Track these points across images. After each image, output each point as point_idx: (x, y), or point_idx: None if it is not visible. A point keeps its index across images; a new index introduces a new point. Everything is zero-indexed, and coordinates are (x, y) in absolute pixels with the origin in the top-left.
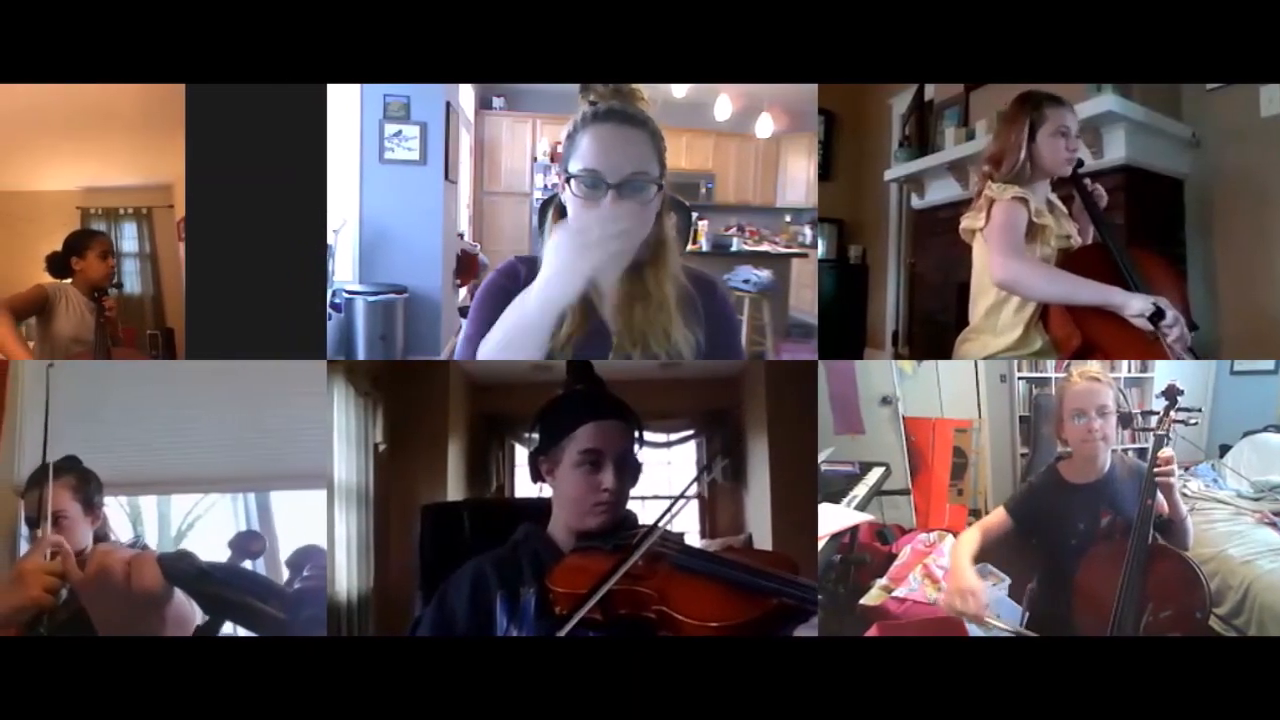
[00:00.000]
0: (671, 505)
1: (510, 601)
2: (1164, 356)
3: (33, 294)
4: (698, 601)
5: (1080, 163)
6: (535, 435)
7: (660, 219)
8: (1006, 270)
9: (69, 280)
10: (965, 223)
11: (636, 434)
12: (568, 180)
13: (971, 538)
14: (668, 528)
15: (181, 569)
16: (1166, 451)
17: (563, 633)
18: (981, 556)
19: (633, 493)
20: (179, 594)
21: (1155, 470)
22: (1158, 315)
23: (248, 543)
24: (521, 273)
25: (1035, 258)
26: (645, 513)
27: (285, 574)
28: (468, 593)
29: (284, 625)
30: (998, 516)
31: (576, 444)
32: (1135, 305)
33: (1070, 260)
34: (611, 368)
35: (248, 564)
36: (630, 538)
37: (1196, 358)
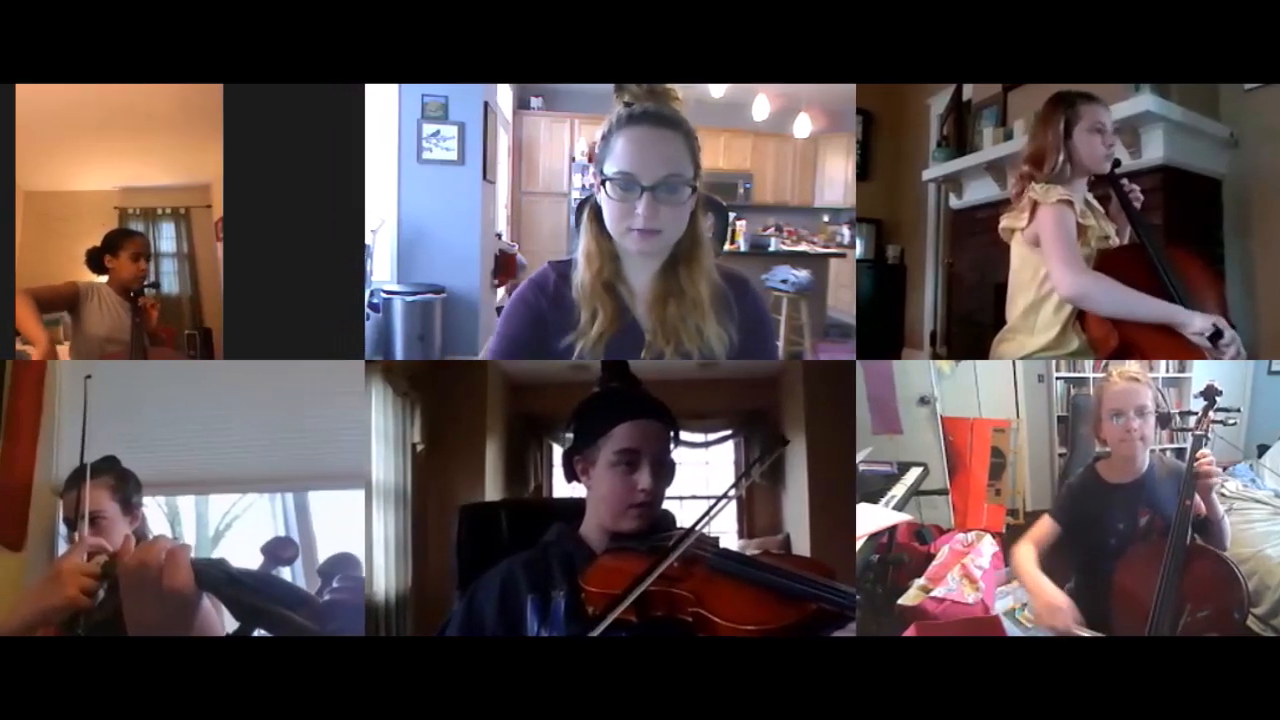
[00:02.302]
0: (710, 508)
1: (541, 604)
2: (1200, 356)
3: (62, 287)
4: (736, 604)
5: (1118, 161)
6: (570, 434)
7: (695, 218)
8: (1075, 286)
9: (105, 279)
10: (1005, 222)
11: (672, 434)
12: (603, 183)
13: (1028, 553)
14: (704, 530)
15: (213, 574)
16: (1207, 455)
17: (596, 633)
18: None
19: (670, 493)
20: (207, 601)
21: (1197, 474)
22: (1216, 335)
23: (280, 549)
24: (551, 280)
25: (1099, 272)
26: (683, 513)
27: (317, 582)
28: (496, 595)
29: (313, 635)
30: (1045, 525)
31: (613, 444)
32: (1197, 324)
33: (1107, 260)
34: (648, 367)
35: (280, 570)
36: (665, 539)
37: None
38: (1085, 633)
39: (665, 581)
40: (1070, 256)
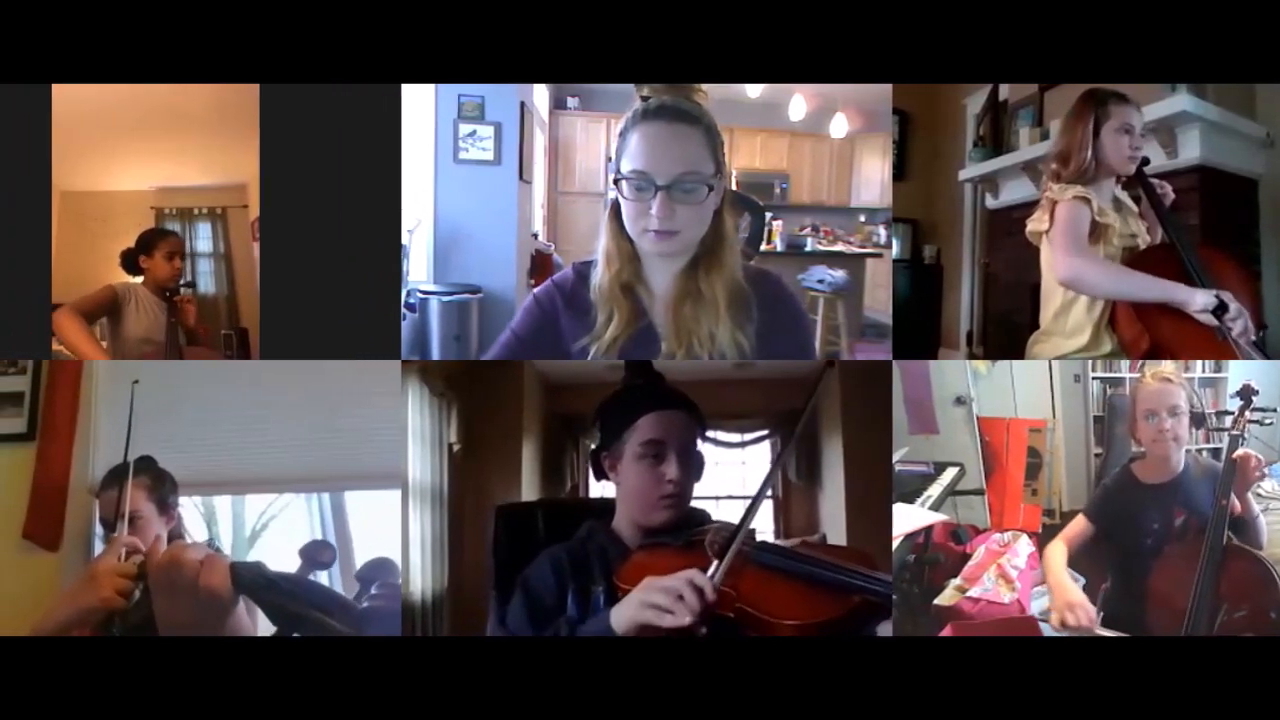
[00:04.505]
0: (753, 503)
1: (581, 597)
2: (1232, 356)
3: (101, 295)
4: (781, 600)
5: (1146, 160)
6: (596, 432)
7: (720, 217)
8: (1069, 268)
9: (140, 279)
10: (1031, 225)
11: (698, 425)
12: (617, 181)
13: (1059, 550)
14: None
15: (251, 578)
16: (1253, 456)
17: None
18: (1071, 565)
19: (706, 492)
20: (242, 605)
21: (1242, 470)
22: (1221, 308)
23: (317, 552)
24: (570, 281)
25: (1099, 255)
26: (719, 512)
27: (355, 587)
28: (552, 576)
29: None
30: (1079, 524)
31: (638, 436)
32: (1199, 300)
33: (1138, 261)
34: (683, 367)
35: (318, 575)
36: (700, 534)
37: (1265, 356)
38: (1104, 632)
39: None
40: (1069, 243)
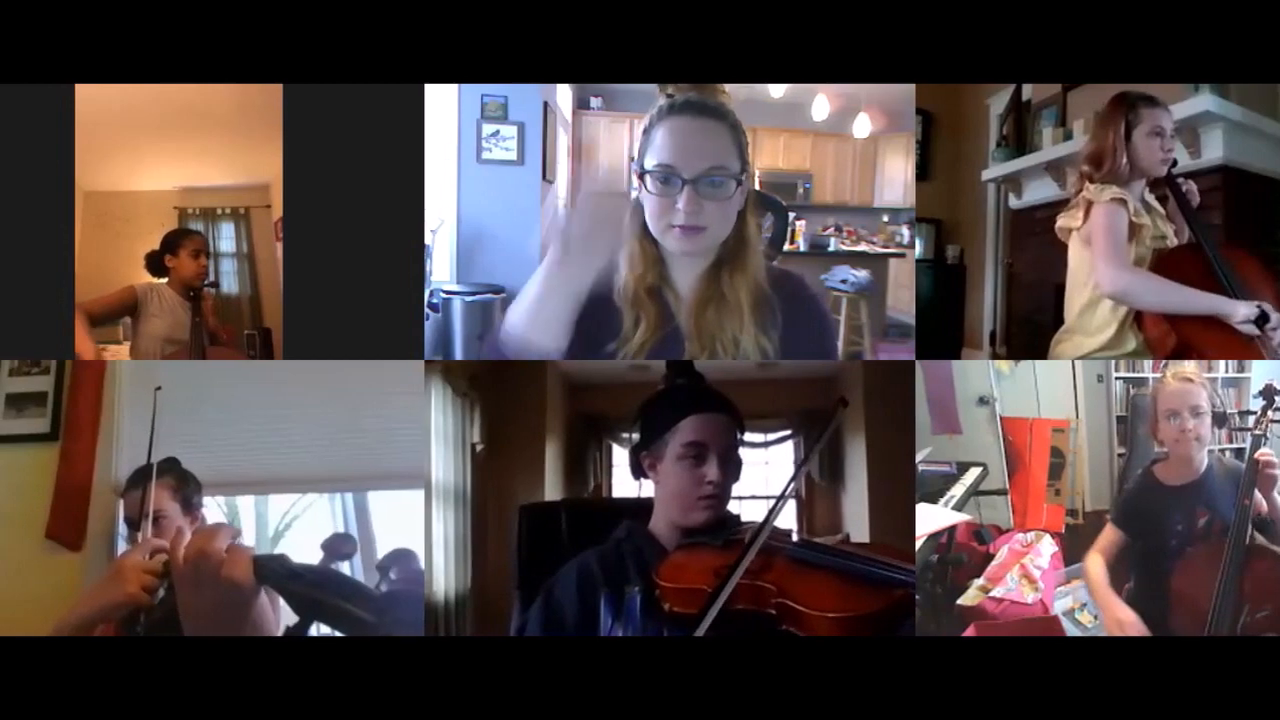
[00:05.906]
0: (779, 498)
1: (615, 600)
2: (1259, 356)
3: (120, 295)
4: (821, 593)
5: (1174, 161)
6: (635, 432)
7: (744, 217)
8: (1117, 282)
9: (165, 279)
10: (1061, 221)
11: (739, 428)
12: (642, 176)
13: (1098, 565)
14: (774, 524)
15: (273, 569)
16: (1267, 451)
17: (700, 632)
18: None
19: (732, 492)
20: (264, 597)
21: (1259, 469)
22: (1263, 319)
23: (339, 545)
24: None
25: (1143, 268)
26: (742, 513)
27: (375, 577)
28: (575, 588)
29: (373, 629)
30: (1109, 534)
31: (679, 437)
32: (1241, 312)
33: (1164, 260)
34: (706, 366)
35: (339, 566)
36: (739, 534)
37: None
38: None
39: (748, 575)
40: (1115, 254)
